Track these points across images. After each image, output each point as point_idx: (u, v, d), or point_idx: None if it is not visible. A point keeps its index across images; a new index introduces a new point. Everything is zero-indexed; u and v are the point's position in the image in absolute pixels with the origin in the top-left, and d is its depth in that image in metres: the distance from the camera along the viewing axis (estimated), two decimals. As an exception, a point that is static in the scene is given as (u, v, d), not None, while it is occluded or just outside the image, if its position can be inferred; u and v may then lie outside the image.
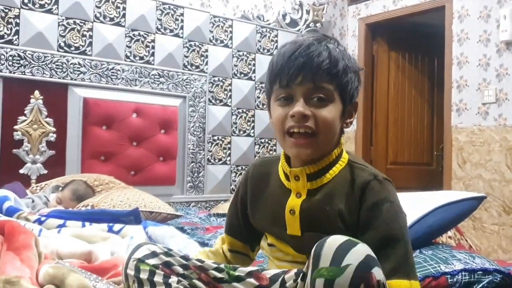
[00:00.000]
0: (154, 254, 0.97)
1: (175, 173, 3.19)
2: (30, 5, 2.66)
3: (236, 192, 1.19)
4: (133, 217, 1.93)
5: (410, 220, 1.59)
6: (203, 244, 1.80)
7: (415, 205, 1.67)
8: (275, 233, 1.07)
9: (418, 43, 4.37)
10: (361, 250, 0.82)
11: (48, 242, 1.47)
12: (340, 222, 0.97)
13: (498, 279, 1.44)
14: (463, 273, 1.42)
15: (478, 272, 1.43)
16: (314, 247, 0.85)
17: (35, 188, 2.50)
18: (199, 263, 0.98)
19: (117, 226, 1.77)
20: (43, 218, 1.80)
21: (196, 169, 3.31)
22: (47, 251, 1.40)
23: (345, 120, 1.04)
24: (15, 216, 1.79)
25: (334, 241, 0.84)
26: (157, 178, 3.09)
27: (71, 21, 2.79)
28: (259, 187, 1.11)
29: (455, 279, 1.41)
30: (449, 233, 2.17)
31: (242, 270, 0.96)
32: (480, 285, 1.41)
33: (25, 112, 2.64)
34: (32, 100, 2.66)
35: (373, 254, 0.83)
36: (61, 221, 1.80)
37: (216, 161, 3.42)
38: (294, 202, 1.02)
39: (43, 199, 2.21)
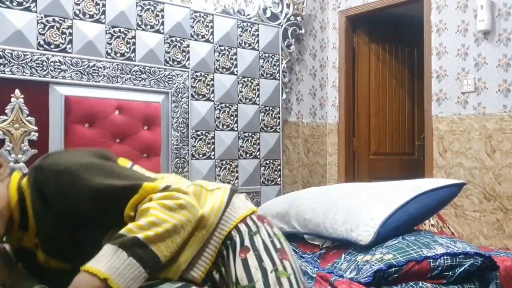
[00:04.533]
0: None
1: (159, 169, 3.18)
2: (8, 3, 2.62)
3: None
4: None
5: (391, 207, 1.63)
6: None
7: (396, 192, 1.71)
8: None
9: (398, 35, 4.43)
10: None
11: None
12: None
13: (479, 262, 1.48)
14: (445, 257, 1.46)
15: (460, 256, 1.48)
16: None
17: (18, 188, 2.48)
18: None
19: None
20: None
21: (180, 164, 3.30)
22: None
23: None
24: None
25: None
26: (142, 175, 3.09)
27: (50, 18, 2.76)
28: None
29: (437, 263, 1.45)
30: (432, 221, 2.22)
31: None
32: (462, 268, 1.45)
33: (6, 111, 2.61)
34: (12, 99, 2.63)
35: None
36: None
37: (201, 156, 3.42)
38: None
39: None
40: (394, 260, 1.43)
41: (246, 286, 1.05)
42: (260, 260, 1.09)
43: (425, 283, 1.43)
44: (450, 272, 1.46)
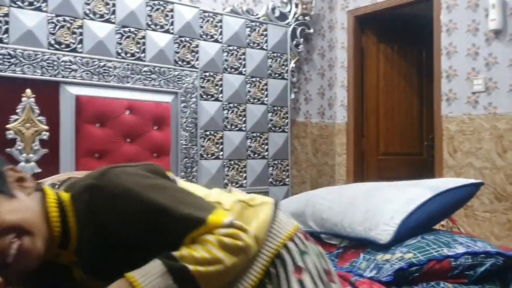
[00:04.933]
0: None
1: (169, 169, 3.17)
2: (19, 3, 2.62)
3: None
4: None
5: (410, 207, 1.62)
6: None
7: (414, 191, 1.70)
8: None
9: (406, 34, 4.41)
10: None
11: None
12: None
13: (501, 261, 1.47)
14: (465, 256, 1.45)
15: (481, 255, 1.47)
16: None
17: (30, 188, 2.47)
18: None
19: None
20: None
21: (189, 164, 3.30)
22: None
23: (17, 185, 1.00)
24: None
25: None
26: (152, 175, 3.08)
27: (60, 18, 2.76)
28: None
29: (458, 262, 1.44)
30: (443, 221, 2.20)
31: None
32: (483, 268, 1.44)
33: (17, 111, 2.61)
34: (24, 99, 2.63)
35: None
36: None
37: (209, 156, 3.41)
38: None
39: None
40: (415, 259, 1.42)
41: None
42: (313, 282, 1.08)
43: (446, 283, 1.42)
44: (471, 272, 1.45)
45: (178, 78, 3.21)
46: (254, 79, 3.62)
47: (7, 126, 2.58)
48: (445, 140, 3.58)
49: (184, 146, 3.27)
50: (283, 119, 3.80)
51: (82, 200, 0.96)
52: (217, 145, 3.46)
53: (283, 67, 3.80)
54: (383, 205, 1.64)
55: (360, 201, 1.73)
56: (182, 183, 1.15)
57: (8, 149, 2.58)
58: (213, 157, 3.44)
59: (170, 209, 0.93)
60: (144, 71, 3.05)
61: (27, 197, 0.98)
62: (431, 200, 1.64)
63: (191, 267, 0.91)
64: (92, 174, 1.00)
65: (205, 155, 3.39)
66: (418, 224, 1.60)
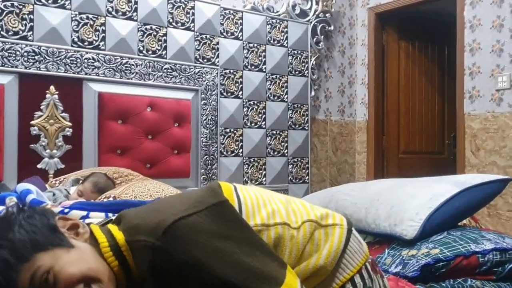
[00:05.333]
0: None
1: (189, 166, 3.19)
2: (43, 0, 2.66)
3: None
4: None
5: (436, 202, 1.60)
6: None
7: (440, 187, 1.67)
8: None
9: (428, 32, 4.36)
10: None
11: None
12: None
13: (530, 258, 1.44)
14: (494, 252, 1.42)
15: (510, 252, 1.44)
16: None
17: (53, 182, 2.51)
18: None
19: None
20: (66, 210, 1.79)
21: (209, 161, 3.31)
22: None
23: (71, 233, 0.96)
24: (40, 208, 1.78)
25: None
26: (172, 171, 3.10)
27: (84, 16, 2.79)
28: None
29: (486, 258, 1.41)
30: (464, 220, 2.17)
31: None
32: (512, 265, 1.41)
33: (41, 107, 2.65)
34: (47, 96, 2.67)
35: None
36: (84, 213, 1.79)
37: (229, 153, 3.42)
38: None
39: (64, 192, 2.21)
40: (441, 255, 1.40)
41: None
42: None
43: (474, 280, 1.39)
44: (499, 268, 1.42)
45: (198, 75, 3.22)
46: (274, 76, 3.62)
47: (32, 122, 2.62)
48: (467, 138, 3.52)
49: (204, 143, 3.28)
50: (303, 117, 3.79)
51: (142, 257, 0.90)
52: (237, 143, 3.46)
53: (304, 64, 3.78)
54: (408, 200, 1.62)
55: (384, 197, 1.71)
56: (246, 195, 1.06)
57: (32, 145, 2.62)
58: (233, 154, 3.45)
59: (238, 284, 0.87)
60: (165, 69, 3.07)
61: (84, 244, 0.94)
62: (458, 195, 1.61)
63: None
64: (153, 225, 0.89)
65: (224, 152, 3.40)
66: (444, 220, 1.57)
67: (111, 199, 2.10)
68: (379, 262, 1.52)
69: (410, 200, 1.62)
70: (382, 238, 1.66)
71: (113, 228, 0.99)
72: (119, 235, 0.95)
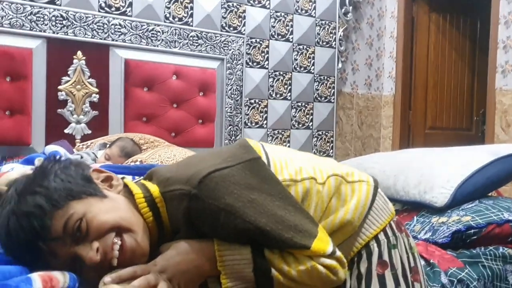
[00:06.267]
0: None
1: (213, 136, 3.18)
2: (71, -36, 2.64)
3: None
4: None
5: (468, 170, 1.56)
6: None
7: (472, 155, 1.63)
8: None
9: (460, 4, 4.22)
10: None
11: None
12: None
13: None
14: (528, 221, 1.39)
15: (544, 221, 1.40)
16: None
17: (80, 147, 2.53)
18: None
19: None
20: (94, 171, 1.82)
21: (233, 132, 3.30)
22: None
23: (105, 185, 0.97)
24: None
25: None
26: (196, 140, 3.10)
27: (111, -19, 2.77)
28: None
29: (519, 227, 1.38)
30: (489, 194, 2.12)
31: None
32: (547, 234, 1.38)
33: (69, 72, 2.66)
34: (75, 61, 2.68)
35: None
36: (112, 175, 1.81)
37: (253, 124, 3.40)
38: None
39: (91, 155, 2.23)
40: (473, 222, 1.37)
41: None
42: (397, 282, 1.01)
43: (506, 248, 1.36)
44: (533, 238, 1.39)
45: (224, 44, 3.19)
46: (301, 47, 3.56)
47: (59, 87, 2.64)
48: (498, 114, 3.43)
49: (228, 113, 3.26)
50: (329, 89, 3.74)
51: (178, 206, 0.91)
52: (261, 114, 3.44)
53: (331, 35, 3.71)
54: (439, 167, 1.58)
55: (414, 164, 1.68)
56: (274, 153, 1.06)
57: (60, 110, 2.65)
58: (257, 125, 3.43)
59: (272, 232, 0.88)
60: (191, 36, 3.05)
61: (118, 195, 0.95)
62: (491, 164, 1.56)
63: (275, 273, 0.89)
64: (188, 176, 0.91)
65: (249, 124, 3.38)
66: (476, 189, 1.53)
67: (137, 163, 2.11)
68: (407, 229, 1.50)
69: (441, 167, 1.59)
70: (411, 206, 1.63)
71: (146, 182, 1.00)
72: (154, 187, 0.96)
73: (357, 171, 1.09)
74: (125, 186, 0.99)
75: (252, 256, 0.89)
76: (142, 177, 1.07)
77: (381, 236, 1.03)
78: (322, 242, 0.91)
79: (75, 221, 0.85)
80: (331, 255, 0.91)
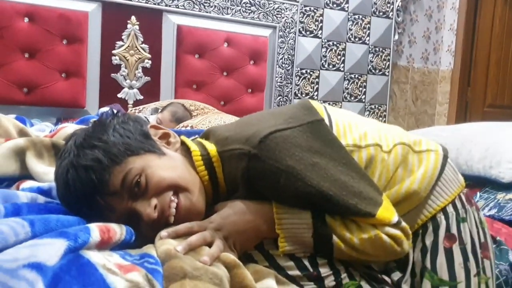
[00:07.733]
0: None
1: (262, 106, 3.14)
2: None
3: None
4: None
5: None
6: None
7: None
8: None
9: (530, -27, 3.94)
10: None
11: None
12: None
13: None
14: None
15: None
16: None
17: (133, 111, 2.56)
18: None
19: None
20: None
21: (283, 103, 3.24)
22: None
23: (163, 142, 0.94)
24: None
25: None
26: (245, 110, 3.05)
27: None
28: None
29: None
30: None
31: None
32: None
33: (123, 37, 2.67)
34: (129, 26, 2.68)
35: None
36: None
37: (303, 95, 3.33)
38: None
39: (143, 119, 2.24)
40: (544, 201, 1.28)
41: (445, 282, 0.94)
42: (465, 257, 0.95)
43: None
44: None
45: (277, 11, 3.11)
46: (356, 16, 3.44)
47: (113, 51, 2.66)
48: None
49: (279, 83, 3.21)
50: (384, 62, 3.60)
51: (236, 165, 0.88)
52: (313, 85, 3.36)
53: (388, 5, 3.55)
54: (507, 142, 1.49)
55: (478, 138, 1.58)
56: (337, 116, 1.00)
57: (113, 74, 2.67)
58: (308, 97, 3.36)
59: (335, 197, 0.84)
60: (243, 3, 2.99)
61: (175, 153, 0.93)
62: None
63: (336, 240, 0.85)
64: (247, 135, 0.88)
65: (299, 94, 3.31)
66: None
67: (188, 128, 2.11)
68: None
69: (510, 142, 1.49)
70: (474, 181, 1.55)
71: (203, 140, 0.97)
72: (211, 146, 0.93)
73: (425, 140, 1.02)
74: (182, 143, 0.97)
75: (312, 221, 0.85)
76: (198, 136, 1.04)
77: (450, 209, 0.97)
78: (388, 211, 0.87)
79: (133, 176, 0.83)
80: (397, 225, 0.86)
